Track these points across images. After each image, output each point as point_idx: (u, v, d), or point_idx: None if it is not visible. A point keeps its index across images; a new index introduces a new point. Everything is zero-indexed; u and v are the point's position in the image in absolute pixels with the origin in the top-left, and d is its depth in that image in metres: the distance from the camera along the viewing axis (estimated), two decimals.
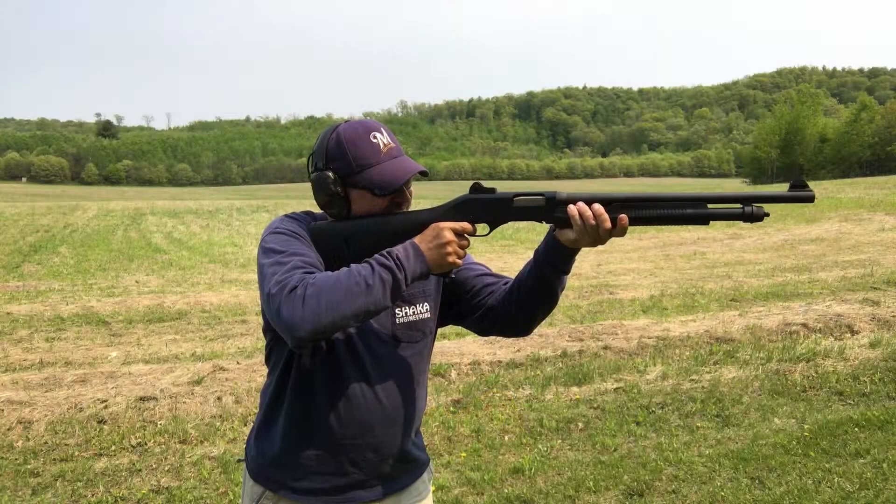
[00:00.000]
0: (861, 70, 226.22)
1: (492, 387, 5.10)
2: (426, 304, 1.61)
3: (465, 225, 1.46)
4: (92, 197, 54.50)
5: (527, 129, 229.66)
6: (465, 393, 4.97)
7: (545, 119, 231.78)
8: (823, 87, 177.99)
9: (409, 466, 1.63)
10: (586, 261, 14.11)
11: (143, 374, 5.40)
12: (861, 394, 4.73)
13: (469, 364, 5.62)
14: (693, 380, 5.14)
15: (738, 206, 1.39)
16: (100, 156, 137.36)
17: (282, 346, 1.51)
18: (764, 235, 17.52)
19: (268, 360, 1.60)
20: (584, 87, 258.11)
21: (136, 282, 11.96)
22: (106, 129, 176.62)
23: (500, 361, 5.70)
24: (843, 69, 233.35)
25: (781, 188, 1.43)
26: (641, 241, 17.60)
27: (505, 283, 1.63)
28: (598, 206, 1.39)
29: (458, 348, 6.03)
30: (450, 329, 7.09)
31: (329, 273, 1.36)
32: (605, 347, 6.03)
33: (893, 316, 6.64)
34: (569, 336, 6.38)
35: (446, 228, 1.42)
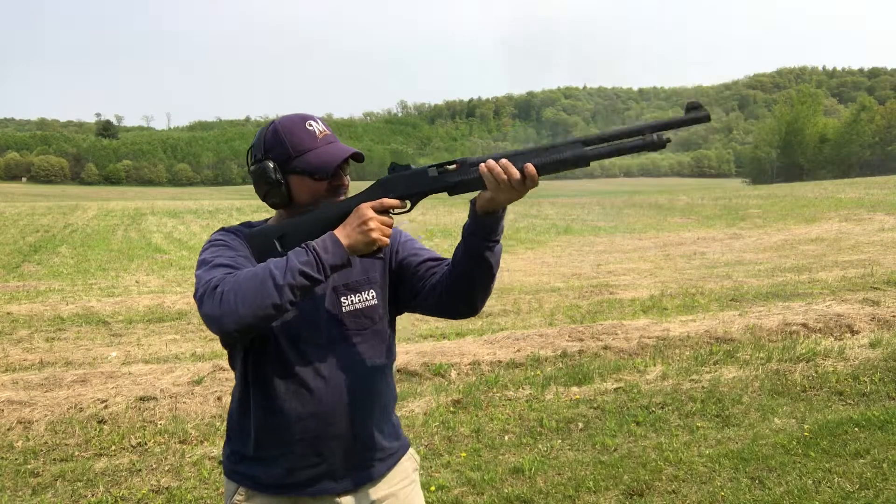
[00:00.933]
0: (861, 70, 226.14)
1: (492, 387, 5.10)
2: (372, 290, 1.64)
3: (386, 201, 1.48)
4: (92, 197, 54.49)
5: (527, 129, 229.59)
6: (465, 393, 4.97)
7: (545, 119, 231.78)
8: (823, 87, 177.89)
9: (379, 454, 1.63)
10: (586, 261, 14.11)
11: (143, 374, 5.40)
12: (861, 394, 4.73)
13: (469, 364, 5.62)
14: (693, 380, 5.14)
15: (640, 137, 1.41)
16: (100, 156, 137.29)
17: (237, 351, 1.58)
18: (764, 235, 17.53)
19: (232, 368, 1.65)
20: (584, 87, 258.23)
21: (136, 282, 11.96)
22: (106, 129, 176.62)
23: (500, 361, 5.70)
24: (843, 69, 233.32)
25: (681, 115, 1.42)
26: (641, 241, 17.60)
27: (448, 265, 1.63)
28: (503, 160, 1.42)
29: (458, 348, 6.03)
30: (450, 329, 7.10)
31: (248, 269, 1.42)
32: (605, 347, 6.02)
33: (893, 316, 6.64)
34: (569, 336, 6.38)
35: (365, 207, 1.46)
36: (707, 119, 1.39)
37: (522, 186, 1.42)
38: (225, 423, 4.43)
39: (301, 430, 1.54)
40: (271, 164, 1.53)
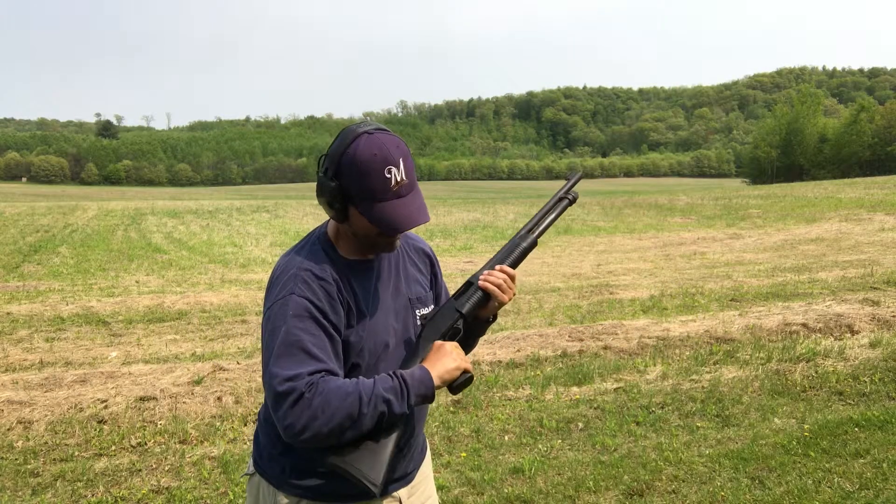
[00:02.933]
0: (861, 70, 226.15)
1: (492, 387, 5.10)
2: (431, 304, 1.72)
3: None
4: (92, 197, 54.50)
5: (527, 129, 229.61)
6: (464, 393, 4.97)
7: (545, 119, 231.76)
8: (823, 87, 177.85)
9: (423, 445, 1.78)
10: (586, 261, 14.11)
11: (143, 374, 5.40)
12: (861, 394, 4.73)
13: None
14: (693, 380, 5.14)
15: (562, 200, 1.78)
16: (100, 156, 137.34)
17: None
18: (764, 235, 17.53)
19: None
20: (584, 87, 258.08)
21: (136, 282, 11.96)
22: (106, 129, 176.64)
23: (500, 361, 5.70)
24: (843, 69, 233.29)
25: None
26: (641, 241, 17.61)
27: None
28: (498, 269, 1.65)
29: None
30: None
31: (338, 384, 1.40)
32: (605, 347, 6.02)
33: (893, 316, 6.64)
34: (569, 336, 6.38)
35: (449, 345, 1.57)
36: (581, 175, 1.89)
37: (513, 283, 1.65)
38: (225, 423, 4.44)
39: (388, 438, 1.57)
40: (336, 190, 1.47)
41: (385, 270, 1.64)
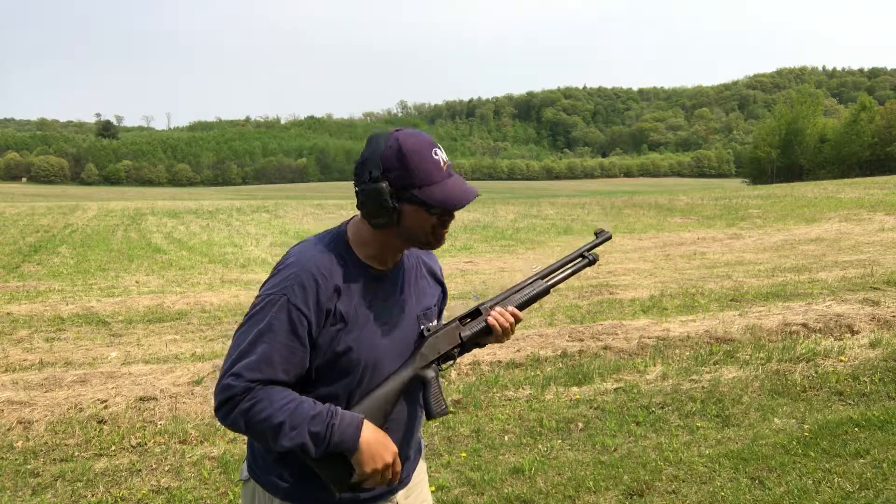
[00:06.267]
0: (861, 70, 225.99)
1: (492, 387, 5.10)
2: (435, 319, 1.73)
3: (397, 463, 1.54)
4: (92, 197, 54.50)
5: (527, 129, 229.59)
6: (465, 393, 4.97)
7: (545, 119, 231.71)
8: (823, 87, 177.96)
9: (418, 447, 1.78)
10: None
11: (143, 374, 5.40)
12: (861, 394, 4.73)
13: (469, 364, 5.62)
14: (693, 380, 5.14)
15: (582, 258, 1.79)
16: (100, 156, 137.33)
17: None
18: (764, 236, 17.53)
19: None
20: (584, 87, 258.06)
21: (136, 282, 11.96)
22: (106, 129, 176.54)
23: (500, 361, 5.70)
24: (843, 69, 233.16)
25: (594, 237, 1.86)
26: (641, 241, 17.60)
27: None
28: (510, 309, 1.67)
29: None
30: None
31: (272, 399, 1.43)
32: (605, 347, 6.02)
33: (893, 316, 6.64)
34: (569, 336, 6.38)
35: (395, 453, 1.52)
36: (610, 237, 1.86)
37: (514, 327, 1.68)
38: None
39: None
40: (387, 188, 1.45)
41: (398, 284, 1.63)
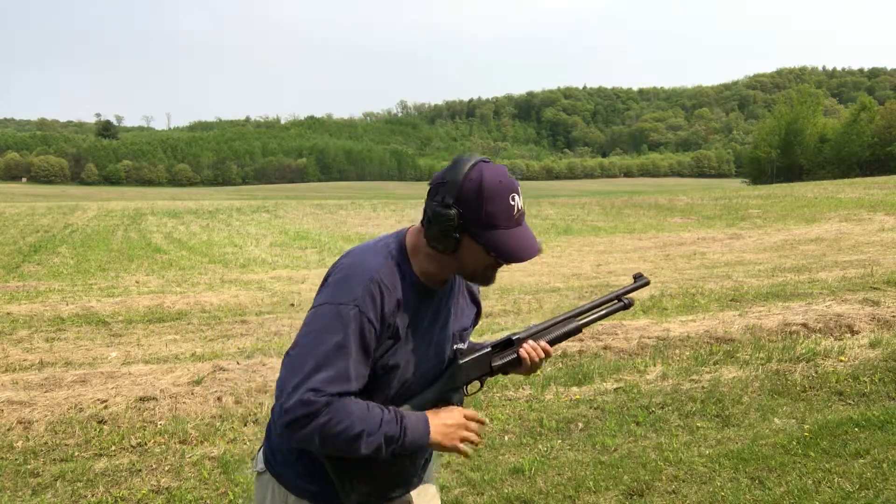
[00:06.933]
0: (861, 70, 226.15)
1: (492, 387, 5.10)
2: (468, 341, 1.74)
3: (477, 418, 1.64)
4: (92, 197, 54.51)
5: (527, 129, 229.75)
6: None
7: (545, 119, 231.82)
8: (823, 87, 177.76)
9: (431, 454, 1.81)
10: (586, 261, 14.11)
11: (143, 374, 5.40)
12: (861, 394, 4.73)
13: None
14: (693, 380, 5.14)
15: (617, 301, 1.80)
16: (100, 156, 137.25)
17: None
18: (764, 235, 17.53)
19: None
20: (584, 87, 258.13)
21: (136, 282, 11.96)
22: (106, 129, 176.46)
23: None
24: (843, 69, 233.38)
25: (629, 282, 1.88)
26: (641, 241, 17.61)
27: None
28: (542, 344, 1.69)
29: None
30: None
31: (349, 410, 1.42)
32: (605, 347, 6.03)
33: (893, 316, 6.64)
34: None
35: (465, 414, 1.60)
36: (648, 283, 1.87)
37: (543, 362, 1.70)
38: (225, 423, 4.43)
39: (394, 462, 1.60)
40: (456, 219, 1.43)
41: (442, 302, 1.62)
